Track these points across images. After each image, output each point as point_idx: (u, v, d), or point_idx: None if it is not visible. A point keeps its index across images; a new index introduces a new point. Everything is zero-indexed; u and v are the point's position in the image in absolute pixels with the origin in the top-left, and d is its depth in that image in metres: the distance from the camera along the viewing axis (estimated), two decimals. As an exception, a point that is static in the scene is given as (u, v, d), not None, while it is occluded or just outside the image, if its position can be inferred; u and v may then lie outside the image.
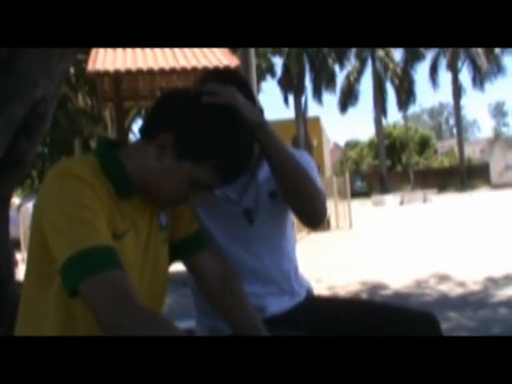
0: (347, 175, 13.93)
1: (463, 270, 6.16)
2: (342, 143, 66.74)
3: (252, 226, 1.59)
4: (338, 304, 1.75)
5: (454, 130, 49.33)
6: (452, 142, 52.12)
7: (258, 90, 20.12)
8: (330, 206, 13.16)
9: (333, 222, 12.82)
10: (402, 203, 22.68)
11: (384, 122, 38.89)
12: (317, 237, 11.12)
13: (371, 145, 47.12)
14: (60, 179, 1.12)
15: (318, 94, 33.32)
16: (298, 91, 32.06)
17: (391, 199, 23.63)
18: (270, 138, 1.38)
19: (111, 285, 1.02)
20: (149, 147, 1.20)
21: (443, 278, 5.81)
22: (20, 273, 1.41)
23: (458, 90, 36.49)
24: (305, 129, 30.79)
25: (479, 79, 35.62)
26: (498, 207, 15.64)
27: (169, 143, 1.17)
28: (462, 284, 5.46)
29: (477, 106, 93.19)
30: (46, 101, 2.59)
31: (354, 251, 8.72)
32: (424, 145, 48.15)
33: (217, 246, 1.53)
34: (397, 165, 44.39)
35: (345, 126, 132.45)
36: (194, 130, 1.17)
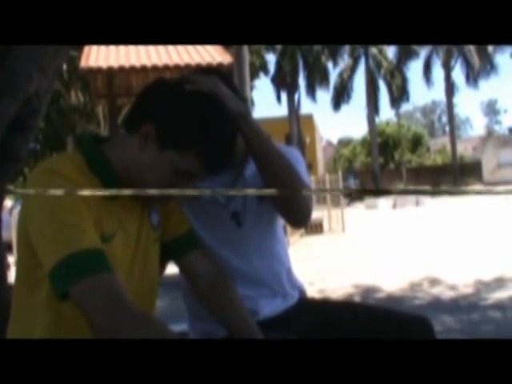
0: (340, 173, 13.89)
1: (455, 272, 6.15)
2: (335, 141, 67.01)
3: (241, 229, 1.57)
4: (331, 307, 1.74)
5: (447, 128, 49.52)
6: (445, 140, 52.26)
7: (251, 87, 20.08)
8: (323, 207, 13.01)
9: (325, 225, 12.68)
10: (394, 206, 22.59)
11: (377, 119, 38.91)
12: (310, 240, 10.97)
13: (364, 142, 47.13)
14: (45, 179, 1.10)
15: (311, 92, 33.29)
16: (291, 88, 32.02)
17: (383, 202, 23.54)
18: (253, 129, 1.36)
19: (101, 288, 1.01)
20: (132, 139, 1.18)
21: (436, 282, 5.79)
22: (12, 276, 1.40)
23: (450, 88, 36.57)
24: (298, 126, 30.74)
25: (472, 77, 35.71)
26: (490, 206, 15.67)
27: (151, 134, 1.16)
28: (454, 287, 5.46)
29: (469, 103, 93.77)
30: (39, 97, 2.57)
31: (348, 254, 8.63)
32: (417, 142, 48.23)
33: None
34: (389, 162, 44.44)
35: (338, 123, 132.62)
36: (174, 118, 1.16)
